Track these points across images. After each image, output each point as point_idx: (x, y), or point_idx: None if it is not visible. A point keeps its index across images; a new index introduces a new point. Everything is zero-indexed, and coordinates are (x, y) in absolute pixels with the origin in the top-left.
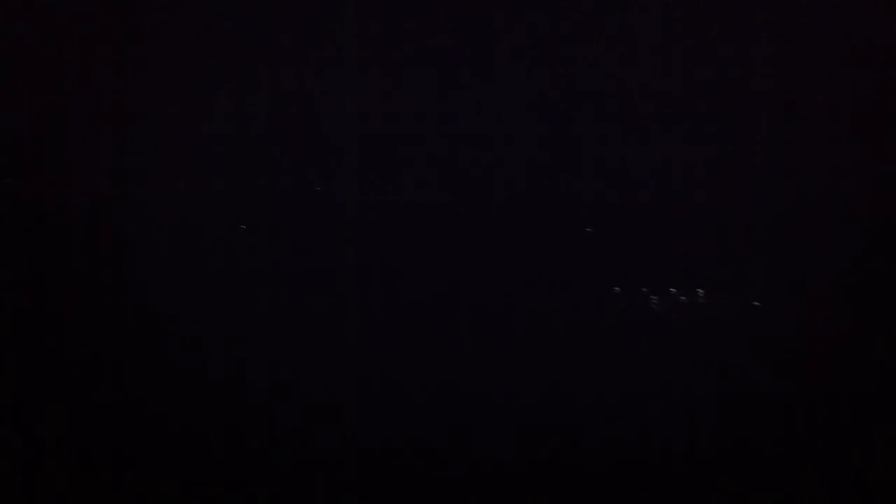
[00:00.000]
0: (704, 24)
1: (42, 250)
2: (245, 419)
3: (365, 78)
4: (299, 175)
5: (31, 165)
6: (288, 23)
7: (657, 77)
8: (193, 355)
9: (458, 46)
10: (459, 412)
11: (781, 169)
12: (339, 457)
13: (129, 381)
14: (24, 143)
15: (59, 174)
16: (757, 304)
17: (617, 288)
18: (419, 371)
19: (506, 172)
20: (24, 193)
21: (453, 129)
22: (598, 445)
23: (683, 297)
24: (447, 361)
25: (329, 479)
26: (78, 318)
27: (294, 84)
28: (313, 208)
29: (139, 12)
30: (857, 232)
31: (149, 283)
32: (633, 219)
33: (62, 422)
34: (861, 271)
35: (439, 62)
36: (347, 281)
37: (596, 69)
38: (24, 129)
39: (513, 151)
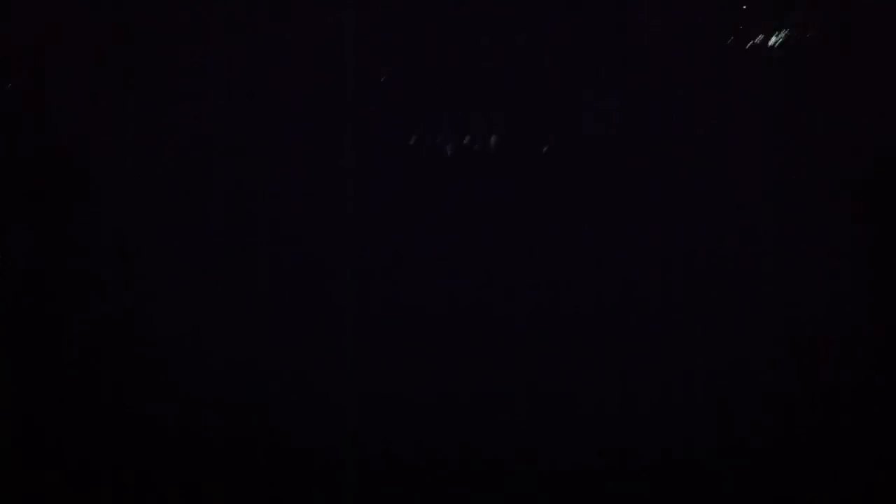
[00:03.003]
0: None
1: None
2: (244, 420)
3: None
4: (298, 174)
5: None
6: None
7: None
8: (192, 355)
9: None
10: (460, 412)
11: None
12: (339, 457)
13: (126, 382)
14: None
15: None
16: None
17: None
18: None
19: None
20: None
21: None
22: None
23: None
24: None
25: (329, 479)
26: (75, 317)
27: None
28: (313, 206)
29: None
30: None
31: (146, 282)
32: None
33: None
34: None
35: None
36: (347, 281)
37: None
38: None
39: None
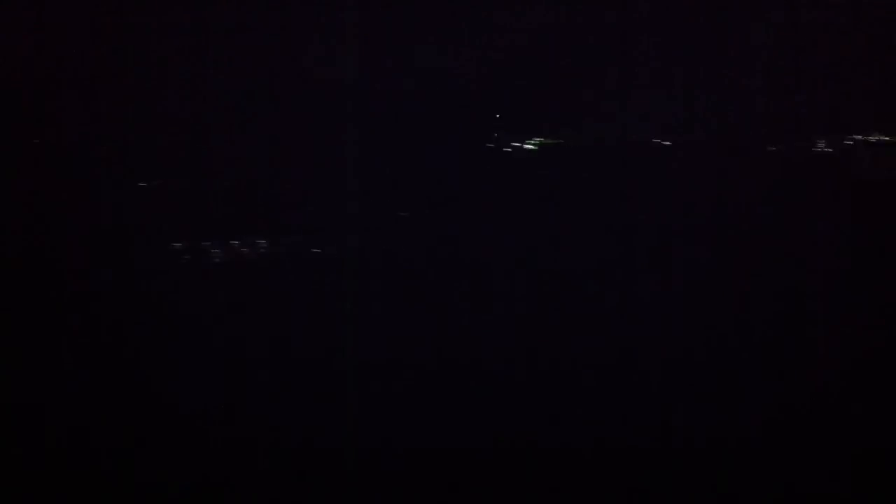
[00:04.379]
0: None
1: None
2: (245, 418)
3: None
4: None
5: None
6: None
7: None
8: (192, 354)
9: None
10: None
11: None
12: (339, 457)
13: (126, 380)
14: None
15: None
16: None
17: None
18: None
19: None
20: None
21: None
22: None
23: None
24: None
25: (329, 478)
26: (74, 316)
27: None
28: (313, 205)
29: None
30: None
31: (148, 277)
32: None
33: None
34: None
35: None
36: (348, 277)
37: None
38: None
39: None
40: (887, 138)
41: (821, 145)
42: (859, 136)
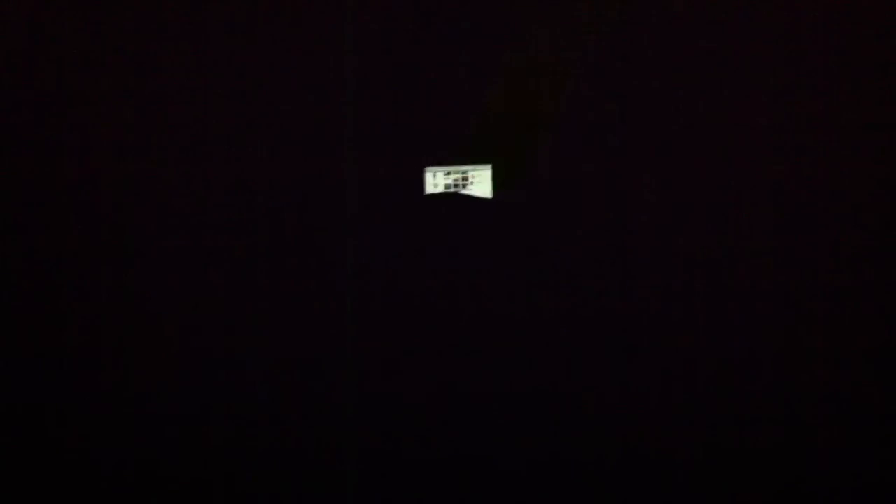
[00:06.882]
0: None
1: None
2: (243, 419)
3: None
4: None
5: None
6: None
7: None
8: (191, 354)
9: None
10: (461, 412)
11: None
12: (338, 457)
13: (125, 381)
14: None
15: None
16: None
17: None
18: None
19: None
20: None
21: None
22: None
23: None
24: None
25: (328, 479)
26: (73, 317)
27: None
28: (313, 205)
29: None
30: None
31: (146, 280)
32: None
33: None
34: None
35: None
36: (347, 279)
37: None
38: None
39: None
40: None
41: None
42: None
